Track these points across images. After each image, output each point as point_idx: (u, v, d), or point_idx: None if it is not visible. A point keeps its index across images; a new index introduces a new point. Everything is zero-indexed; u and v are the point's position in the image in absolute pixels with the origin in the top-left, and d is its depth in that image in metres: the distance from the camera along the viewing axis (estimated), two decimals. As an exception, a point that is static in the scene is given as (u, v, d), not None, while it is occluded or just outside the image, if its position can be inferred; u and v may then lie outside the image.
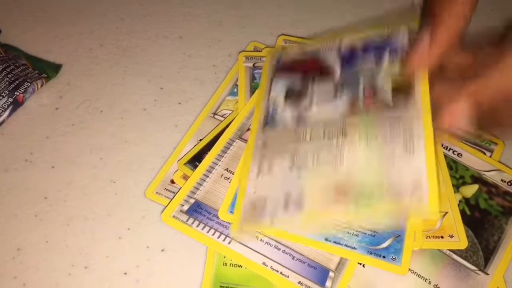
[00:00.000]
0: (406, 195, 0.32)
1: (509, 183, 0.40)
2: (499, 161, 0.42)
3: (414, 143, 0.34)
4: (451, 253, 0.36)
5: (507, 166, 0.41)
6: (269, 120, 0.39)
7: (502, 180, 0.40)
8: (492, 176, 0.40)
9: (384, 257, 0.35)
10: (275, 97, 0.41)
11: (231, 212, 0.37)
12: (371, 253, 0.35)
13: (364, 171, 0.34)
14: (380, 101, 0.37)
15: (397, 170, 0.33)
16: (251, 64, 0.46)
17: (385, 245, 0.35)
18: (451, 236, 0.37)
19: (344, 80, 0.39)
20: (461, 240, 0.36)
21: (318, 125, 0.37)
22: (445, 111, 0.33)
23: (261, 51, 0.48)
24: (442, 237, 0.36)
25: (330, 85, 0.39)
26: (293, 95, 0.40)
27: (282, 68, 0.42)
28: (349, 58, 0.41)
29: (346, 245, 0.35)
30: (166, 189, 0.40)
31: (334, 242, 0.35)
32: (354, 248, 0.35)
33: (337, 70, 0.40)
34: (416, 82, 0.37)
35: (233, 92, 0.45)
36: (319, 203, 0.34)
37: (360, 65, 0.39)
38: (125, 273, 0.36)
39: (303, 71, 0.41)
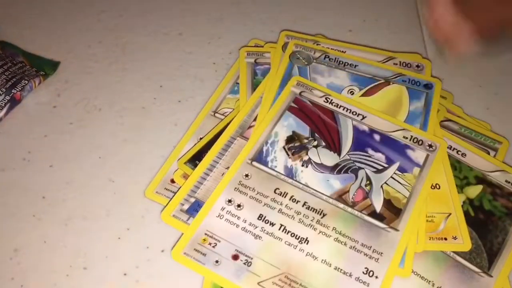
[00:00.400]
0: None
1: (513, 184, 0.39)
2: (503, 162, 0.41)
3: (374, 273, 0.34)
4: (455, 255, 0.36)
5: (511, 167, 0.40)
6: (259, 157, 0.39)
7: (506, 181, 0.40)
8: (497, 177, 0.40)
9: None
10: (277, 133, 0.40)
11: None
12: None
13: (320, 268, 0.34)
14: (370, 204, 0.37)
15: None
16: (252, 60, 0.46)
17: None
18: (455, 238, 0.36)
19: (348, 161, 0.39)
20: (465, 242, 0.36)
21: (302, 190, 0.37)
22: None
23: (262, 47, 0.48)
24: (445, 238, 0.36)
25: (333, 158, 0.39)
26: (295, 144, 0.39)
27: (299, 105, 0.41)
28: (362, 140, 0.40)
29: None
30: (166, 189, 0.39)
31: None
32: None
33: (347, 147, 0.39)
34: (408, 205, 0.37)
35: (234, 90, 0.45)
36: (262, 279, 0.33)
37: (368, 158, 0.39)
38: (125, 274, 0.35)
39: (315, 125, 0.40)
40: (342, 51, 0.47)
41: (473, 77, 0.49)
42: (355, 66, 0.45)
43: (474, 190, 0.39)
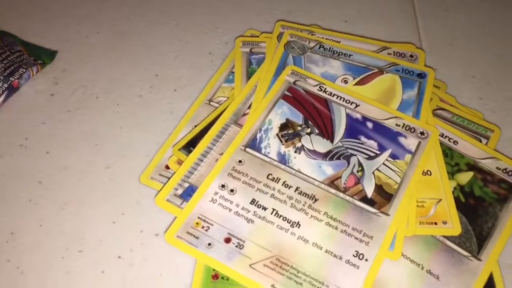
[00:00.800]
0: None
1: (504, 171, 0.40)
2: (495, 149, 0.42)
3: (364, 256, 0.34)
4: (445, 239, 0.36)
5: (502, 154, 0.41)
6: (254, 142, 0.39)
7: (497, 168, 0.40)
8: (488, 164, 0.40)
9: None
10: (271, 120, 0.40)
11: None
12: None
13: (311, 251, 0.35)
14: (361, 190, 0.37)
15: (337, 272, 0.34)
16: (248, 50, 0.46)
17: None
18: (445, 223, 0.36)
19: (340, 149, 0.39)
20: (455, 227, 0.36)
21: (295, 175, 0.38)
22: None
23: (258, 37, 0.48)
24: (435, 223, 0.36)
25: (326, 145, 0.39)
26: (289, 131, 0.40)
27: (294, 93, 0.42)
28: (355, 127, 0.40)
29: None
30: (161, 175, 0.40)
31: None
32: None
33: (339, 134, 0.40)
34: (399, 191, 0.37)
35: (229, 79, 0.45)
36: (253, 261, 0.34)
37: (360, 145, 0.39)
38: (119, 257, 0.36)
39: (309, 112, 0.41)
40: (337, 41, 0.47)
41: (467, 68, 0.49)
42: (349, 55, 0.46)
43: (465, 177, 0.39)
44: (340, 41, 0.47)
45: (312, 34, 0.47)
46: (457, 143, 0.41)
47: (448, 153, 0.40)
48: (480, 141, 0.42)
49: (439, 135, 0.41)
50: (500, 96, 0.47)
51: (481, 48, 0.51)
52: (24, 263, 0.35)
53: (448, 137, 0.41)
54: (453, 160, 0.40)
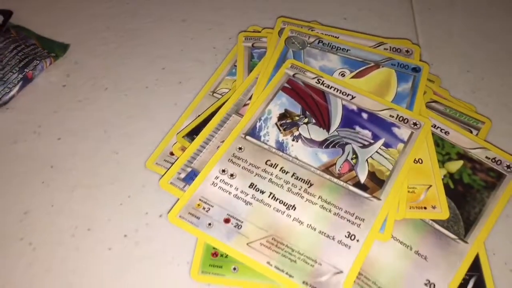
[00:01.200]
0: (324, 277, 0.35)
1: (493, 160, 0.42)
2: (485, 140, 0.43)
3: (356, 236, 0.36)
4: (433, 223, 0.38)
5: (492, 144, 0.43)
6: (254, 131, 0.41)
7: (486, 157, 0.42)
8: (477, 153, 0.42)
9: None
10: (271, 110, 0.43)
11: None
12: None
13: (305, 231, 0.37)
14: (355, 176, 0.39)
15: (329, 251, 0.36)
16: (250, 44, 0.49)
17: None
18: (434, 207, 0.38)
19: (336, 137, 0.41)
20: (443, 211, 0.38)
21: (292, 162, 0.40)
22: None
23: (260, 32, 0.50)
24: (425, 207, 0.38)
25: (322, 134, 0.41)
26: (287, 120, 0.42)
27: (292, 86, 0.44)
28: (351, 118, 0.43)
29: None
30: (165, 160, 0.42)
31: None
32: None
33: (335, 124, 0.42)
34: (391, 177, 0.39)
35: (232, 73, 0.47)
36: (250, 240, 0.36)
37: (355, 134, 0.41)
38: (125, 235, 0.38)
39: (307, 103, 0.43)
40: (336, 37, 0.49)
41: (461, 63, 0.51)
42: (347, 50, 0.48)
43: (455, 165, 0.41)
44: (338, 37, 0.49)
45: (312, 30, 0.49)
46: (449, 133, 0.43)
47: (440, 143, 0.42)
48: (471, 132, 0.44)
49: (432, 126, 0.43)
50: (493, 91, 0.49)
51: (476, 44, 0.53)
52: (37, 240, 0.38)
53: (440, 127, 0.43)
54: (444, 150, 0.42)
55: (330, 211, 0.38)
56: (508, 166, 0.41)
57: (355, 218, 0.37)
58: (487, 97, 0.48)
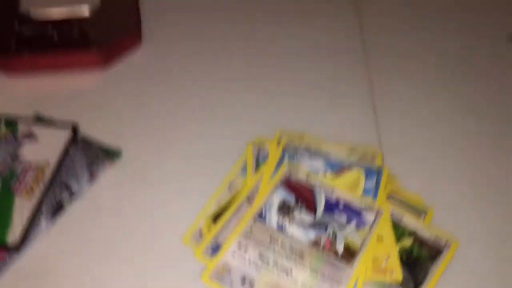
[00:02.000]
0: None
1: (435, 238, 0.57)
2: (430, 223, 0.59)
3: None
4: (391, 284, 0.53)
5: (434, 226, 0.58)
6: (261, 216, 0.57)
7: (430, 236, 0.57)
8: (424, 233, 0.57)
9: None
10: (272, 200, 0.59)
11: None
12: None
13: None
14: (334, 249, 0.55)
15: None
16: (256, 150, 0.65)
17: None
18: (391, 272, 0.53)
19: (320, 221, 0.57)
20: (398, 275, 0.53)
21: (289, 239, 0.55)
22: None
23: (263, 142, 0.67)
24: (385, 272, 0.53)
25: (310, 218, 0.57)
26: (285, 208, 0.58)
27: (288, 182, 0.60)
28: (331, 206, 0.59)
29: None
30: (196, 238, 0.57)
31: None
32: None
33: (320, 211, 0.58)
34: (361, 250, 0.55)
35: (243, 171, 0.64)
36: None
37: (335, 217, 0.57)
38: (168, 293, 0.52)
39: (299, 195, 0.59)
40: (320, 144, 0.67)
41: (415, 164, 0.68)
42: (328, 155, 0.65)
43: (407, 242, 0.57)
44: (322, 144, 0.67)
45: (302, 139, 0.67)
46: (402, 218, 0.59)
47: (396, 225, 0.58)
48: (420, 216, 0.60)
49: (390, 213, 0.59)
50: (438, 183, 0.65)
51: (428, 143, 0.69)
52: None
53: (396, 214, 0.59)
54: (399, 230, 0.58)
55: (317, 274, 0.52)
56: (445, 243, 0.57)
57: (335, 280, 0.52)
58: (432, 187, 0.64)
